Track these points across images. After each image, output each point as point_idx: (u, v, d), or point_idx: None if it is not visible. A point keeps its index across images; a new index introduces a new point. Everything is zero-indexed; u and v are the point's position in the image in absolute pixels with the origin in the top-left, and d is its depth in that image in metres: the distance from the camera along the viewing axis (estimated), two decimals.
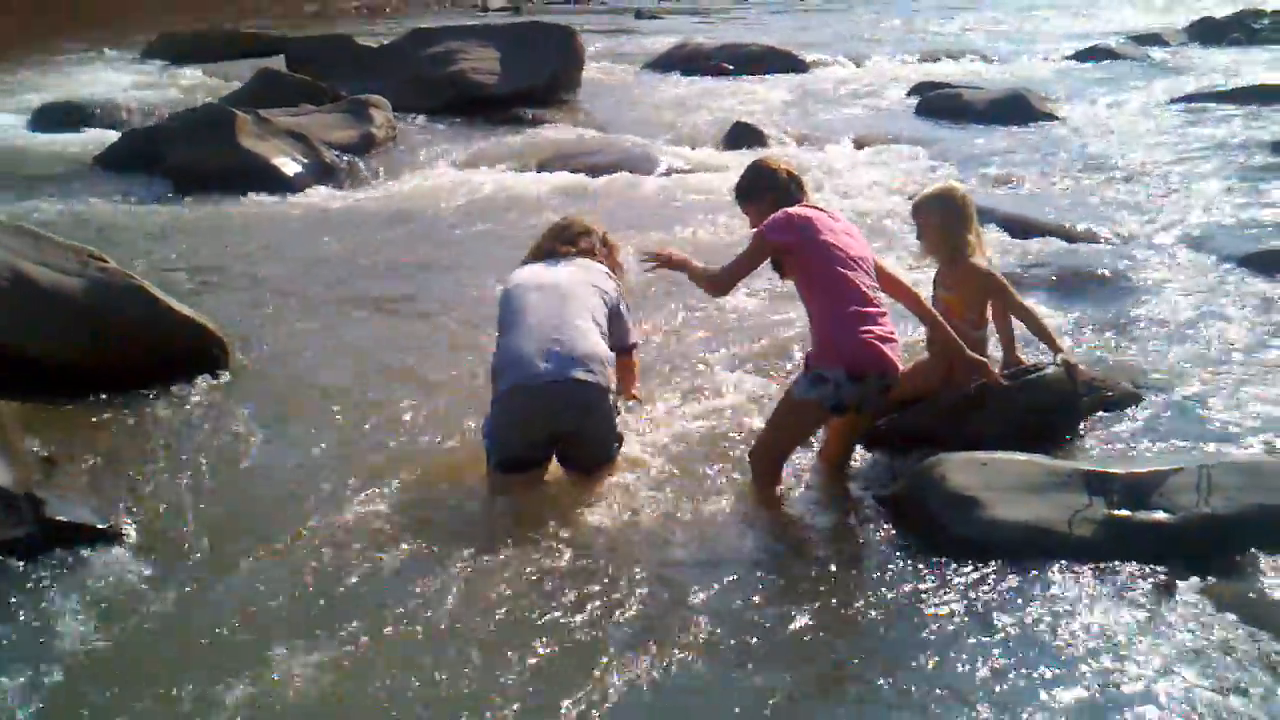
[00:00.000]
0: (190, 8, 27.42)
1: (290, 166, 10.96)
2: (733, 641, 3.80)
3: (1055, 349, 5.31)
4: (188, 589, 4.13)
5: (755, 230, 4.96)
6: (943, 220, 5.39)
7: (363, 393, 5.93)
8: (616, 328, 5.10)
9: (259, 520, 4.63)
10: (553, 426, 4.75)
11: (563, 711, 3.43)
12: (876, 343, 4.63)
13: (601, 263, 5.30)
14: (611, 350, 4.97)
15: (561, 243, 5.34)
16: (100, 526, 4.44)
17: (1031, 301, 5.94)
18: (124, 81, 17.55)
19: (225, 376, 6.04)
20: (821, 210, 4.99)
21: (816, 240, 4.76)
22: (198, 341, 6.13)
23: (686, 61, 19.65)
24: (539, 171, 11.52)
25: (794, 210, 4.87)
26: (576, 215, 5.79)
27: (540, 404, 4.70)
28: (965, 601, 4.01)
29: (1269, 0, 29.36)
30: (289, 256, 8.58)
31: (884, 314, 4.75)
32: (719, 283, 5.04)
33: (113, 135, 12.55)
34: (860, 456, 5.19)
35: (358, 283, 7.96)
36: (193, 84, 17.34)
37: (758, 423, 5.26)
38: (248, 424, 5.51)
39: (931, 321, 5.15)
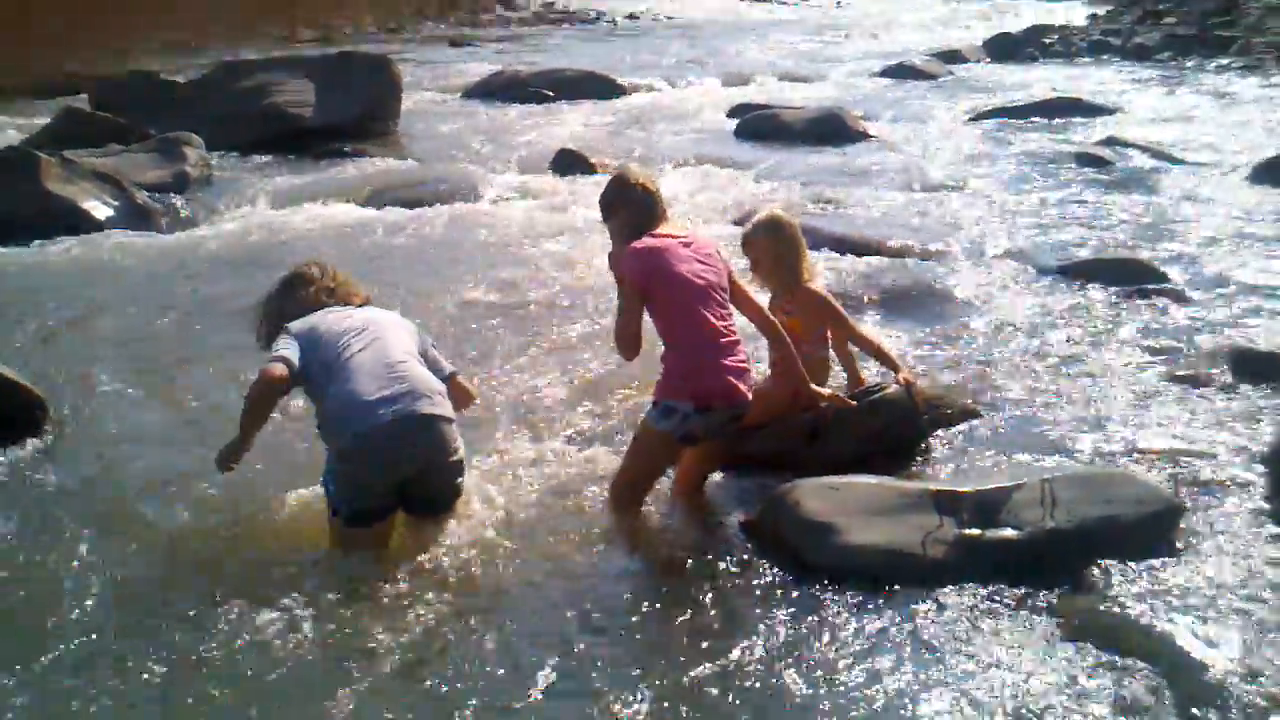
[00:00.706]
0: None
1: (101, 210, 10.44)
2: (604, 685, 3.75)
3: (894, 369, 5.41)
4: (16, 676, 3.87)
5: (617, 277, 4.90)
6: (774, 249, 5.43)
7: (192, 450, 5.59)
8: (431, 363, 4.86)
9: (89, 599, 4.32)
10: (406, 469, 4.53)
11: None
12: (726, 376, 4.65)
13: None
14: None
15: (326, 294, 4.99)
16: None
17: (865, 321, 6.05)
18: None
19: (48, 438, 5.73)
20: (674, 236, 4.89)
21: (668, 273, 4.73)
22: (14, 401, 5.78)
23: (505, 88, 19.57)
24: (362, 205, 11.24)
25: (641, 245, 4.81)
26: (312, 263, 5.22)
27: (393, 445, 4.46)
28: (825, 630, 4.04)
29: (1056, 16, 30.82)
30: (105, 305, 8.15)
31: (736, 343, 4.75)
32: (621, 342, 4.86)
33: None
34: (718, 481, 5.20)
35: (181, 330, 7.62)
36: None
37: (616, 456, 5.20)
38: (75, 490, 5.23)
39: (780, 346, 5.05)
